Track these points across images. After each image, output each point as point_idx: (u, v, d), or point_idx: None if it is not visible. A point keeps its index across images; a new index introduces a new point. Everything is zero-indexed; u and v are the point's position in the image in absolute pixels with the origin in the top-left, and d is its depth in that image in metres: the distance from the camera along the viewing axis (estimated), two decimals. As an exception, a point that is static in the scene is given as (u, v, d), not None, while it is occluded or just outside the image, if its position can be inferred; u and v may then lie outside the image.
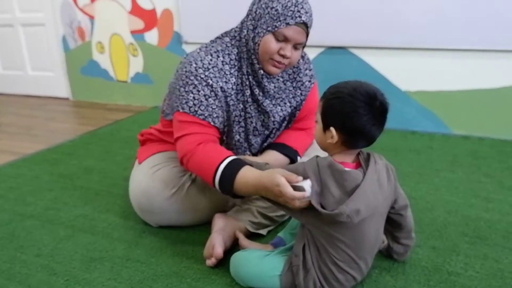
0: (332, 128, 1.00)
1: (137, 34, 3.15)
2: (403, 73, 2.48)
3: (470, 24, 2.21)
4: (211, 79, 1.28)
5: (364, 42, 2.48)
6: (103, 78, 3.41)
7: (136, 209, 1.46)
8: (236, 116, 1.36)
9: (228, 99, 1.32)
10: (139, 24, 3.11)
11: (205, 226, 1.44)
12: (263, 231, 1.41)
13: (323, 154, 1.08)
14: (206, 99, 1.27)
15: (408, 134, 2.46)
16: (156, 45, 3.11)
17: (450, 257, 1.29)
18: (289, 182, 1.01)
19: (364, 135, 0.99)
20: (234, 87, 1.33)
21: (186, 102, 1.28)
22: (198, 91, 1.27)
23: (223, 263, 1.25)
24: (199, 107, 1.27)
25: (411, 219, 1.20)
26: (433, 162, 2.05)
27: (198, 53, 1.32)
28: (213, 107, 1.28)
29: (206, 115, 1.28)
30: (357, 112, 0.97)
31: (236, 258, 1.18)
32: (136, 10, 3.08)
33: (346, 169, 1.00)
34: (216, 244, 1.25)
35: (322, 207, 0.99)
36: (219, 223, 1.36)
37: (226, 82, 1.30)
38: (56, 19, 3.37)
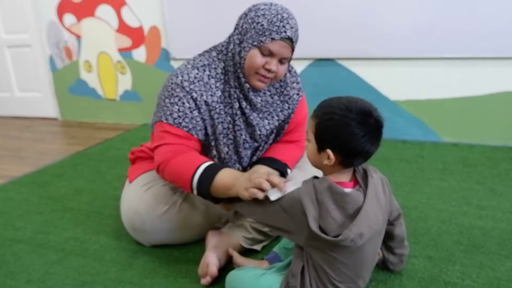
0: (328, 150, 0.97)
1: (124, 52, 3.15)
2: (392, 83, 2.50)
3: (456, 33, 2.25)
4: (196, 92, 1.29)
5: (352, 53, 2.50)
6: (91, 97, 3.39)
7: (128, 229, 1.44)
8: (224, 128, 1.36)
9: (213, 112, 1.33)
10: (126, 42, 3.11)
11: (198, 244, 1.42)
12: (258, 247, 1.40)
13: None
14: (191, 112, 1.29)
15: (399, 143, 2.47)
16: (144, 62, 3.11)
17: (447, 267, 1.29)
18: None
19: (362, 155, 0.97)
20: (220, 100, 1.33)
21: (170, 114, 1.29)
22: (183, 103, 1.28)
23: (219, 281, 1.23)
24: (183, 119, 1.28)
25: (403, 228, 1.19)
26: (424, 171, 2.06)
27: (186, 66, 1.34)
28: (197, 119, 1.30)
29: (190, 127, 1.29)
30: (354, 134, 0.94)
31: (231, 278, 1.16)
32: (123, 28, 3.08)
33: (346, 190, 0.98)
34: (211, 262, 1.23)
35: (323, 231, 0.96)
36: (213, 240, 1.35)
37: (211, 95, 1.32)
38: (42, 39, 3.36)
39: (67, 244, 1.54)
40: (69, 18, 3.22)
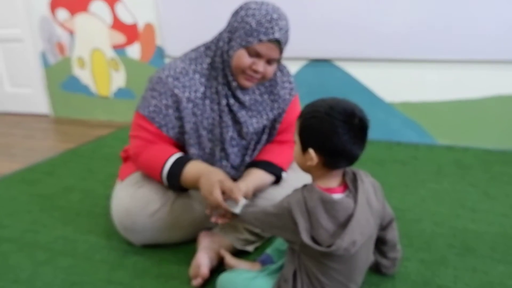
0: (310, 150, 0.96)
1: (118, 49, 3.12)
2: (387, 85, 2.49)
3: (453, 35, 2.24)
4: (178, 89, 1.32)
5: (348, 54, 2.49)
6: (84, 93, 3.35)
7: (119, 228, 1.43)
8: (209, 124, 1.36)
9: (195, 108, 1.34)
10: (120, 38, 3.08)
11: (190, 244, 1.41)
12: (250, 248, 1.39)
13: None
14: (166, 109, 1.33)
15: (393, 145, 2.47)
16: (139, 60, 3.09)
17: (439, 270, 1.28)
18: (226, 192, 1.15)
19: (345, 155, 0.95)
20: (204, 96, 1.35)
21: (148, 106, 1.34)
22: (161, 100, 1.32)
23: (210, 282, 1.22)
24: (158, 114, 1.33)
25: (395, 232, 1.19)
26: (418, 173, 2.05)
27: (175, 60, 1.37)
28: (171, 118, 1.34)
29: (162, 124, 1.34)
30: (336, 132, 0.92)
31: (223, 280, 1.14)
32: (117, 25, 3.05)
33: (335, 197, 0.97)
34: (202, 263, 1.22)
35: (315, 240, 0.95)
36: (205, 241, 1.33)
37: (195, 91, 1.34)
38: (34, 34, 3.32)
39: (56, 243, 1.51)
40: (62, 13, 3.18)
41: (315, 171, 1.00)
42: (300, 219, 0.95)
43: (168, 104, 1.32)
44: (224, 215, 1.16)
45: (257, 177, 1.36)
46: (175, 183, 1.30)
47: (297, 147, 1.02)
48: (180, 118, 1.34)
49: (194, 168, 1.28)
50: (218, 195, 1.14)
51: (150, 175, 1.37)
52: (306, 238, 0.94)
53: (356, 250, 0.96)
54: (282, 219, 0.99)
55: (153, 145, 1.35)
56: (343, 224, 0.95)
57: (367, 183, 1.01)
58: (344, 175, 1.02)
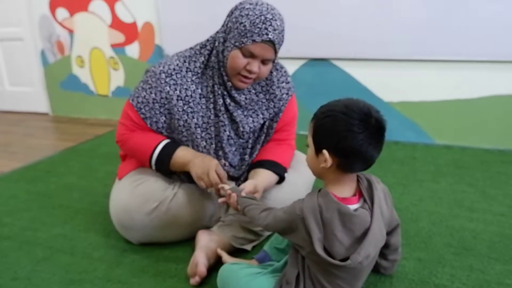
0: (324, 151, 0.92)
1: (118, 48, 3.12)
2: (386, 85, 2.50)
3: (451, 35, 2.25)
4: (170, 86, 1.34)
5: (346, 54, 2.50)
6: (83, 92, 3.36)
7: (117, 226, 1.43)
8: (204, 123, 1.37)
9: (186, 106, 1.35)
10: (119, 37, 3.08)
11: (188, 243, 1.41)
12: (248, 247, 1.39)
13: (305, 164, 1.04)
14: (153, 103, 1.36)
15: (392, 145, 2.47)
16: (137, 59, 3.09)
17: (437, 269, 1.29)
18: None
19: (361, 157, 0.91)
20: (198, 94, 1.36)
21: (137, 97, 1.38)
22: (151, 93, 1.35)
23: (208, 281, 1.22)
24: (144, 106, 1.37)
25: (399, 237, 1.18)
26: (416, 173, 2.06)
27: (171, 58, 1.39)
28: (156, 112, 1.37)
29: (147, 116, 1.37)
30: (351, 131, 0.88)
31: (226, 271, 1.12)
32: (116, 24, 3.05)
33: (352, 207, 0.94)
34: (200, 262, 1.22)
35: (327, 251, 0.92)
36: (203, 239, 1.34)
37: (186, 89, 1.35)
38: (34, 33, 3.32)
39: (55, 241, 1.52)
40: (61, 12, 3.18)
41: (328, 175, 0.96)
42: (314, 229, 0.91)
43: (156, 99, 1.35)
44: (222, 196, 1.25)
45: (265, 177, 1.37)
46: (165, 163, 1.36)
47: (310, 150, 0.98)
48: (166, 115, 1.37)
49: (186, 152, 1.36)
50: (215, 176, 1.26)
51: (138, 155, 1.42)
52: (320, 250, 0.91)
53: (368, 262, 0.95)
54: (293, 226, 0.96)
55: (137, 133, 1.40)
56: (359, 238, 0.92)
57: (380, 191, 0.99)
58: (358, 182, 0.99)
